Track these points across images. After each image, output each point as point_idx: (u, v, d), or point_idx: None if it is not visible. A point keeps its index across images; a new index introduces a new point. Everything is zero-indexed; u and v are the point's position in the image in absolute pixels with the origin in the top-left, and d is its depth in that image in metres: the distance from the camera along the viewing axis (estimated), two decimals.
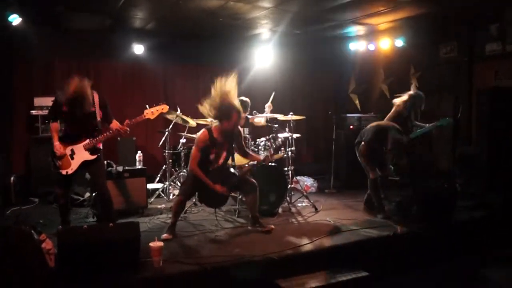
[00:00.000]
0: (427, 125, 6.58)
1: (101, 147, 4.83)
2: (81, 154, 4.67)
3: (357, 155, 5.83)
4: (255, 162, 5.61)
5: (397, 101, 6.42)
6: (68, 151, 4.66)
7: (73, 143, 4.67)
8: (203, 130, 4.87)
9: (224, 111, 4.70)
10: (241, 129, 5.12)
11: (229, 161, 5.19)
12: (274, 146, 6.35)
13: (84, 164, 4.71)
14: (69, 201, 5.06)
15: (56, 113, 4.75)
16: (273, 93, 6.75)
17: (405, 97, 6.39)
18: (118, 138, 7.27)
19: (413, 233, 5.08)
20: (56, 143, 4.64)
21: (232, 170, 5.22)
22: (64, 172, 4.67)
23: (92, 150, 4.69)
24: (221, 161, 4.98)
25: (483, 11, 6.84)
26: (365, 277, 4.14)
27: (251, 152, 5.39)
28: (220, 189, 4.80)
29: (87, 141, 4.67)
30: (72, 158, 4.65)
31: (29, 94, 7.22)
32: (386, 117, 6.39)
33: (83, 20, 7.10)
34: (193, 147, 4.87)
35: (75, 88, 4.45)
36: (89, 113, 4.65)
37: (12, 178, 6.38)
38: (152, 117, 4.82)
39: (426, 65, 8.15)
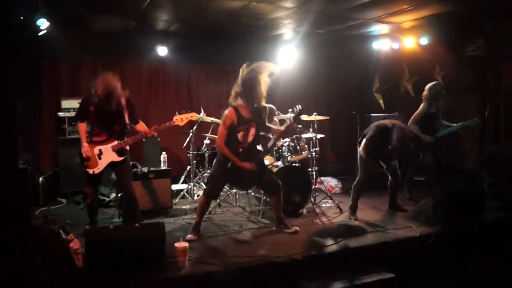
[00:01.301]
0: (454, 124, 6.48)
1: (128, 148, 4.90)
2: (109, 155, 4.74)
3: (358, 152, 5.76)
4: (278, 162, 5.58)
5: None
6: (96, 151, 4.73)
7: (101, 143, 4.75)
8: (229, 108, 4.80)
9: (248, 81, 4.69)
10: (266, 105, 4.99)
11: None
12: (298, 147, 6.34)
13: (111, 165, 4.78)
14: (97, 200, 5.14)
15: (83, 113, 4.83)
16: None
17: (424, 92, 6.39)
18: (143, 139, 7.33)
19: (439, 233, 5.01)
20: (85, 144, 4.72)
21: (258, 147, 5.12)
22: (91, 171, 4.74)
23: (120, 151, 4.76)
24: (250, 138, 4.85)
25: (510, 7, 6.67)
26: (391, 279, 4.10)
27: (272, 126, 5.32)
28: (249, 166, 4.75)
29: (116, 142, 4.74)
30: (100, 158, 4.73)
31: (57, 95, 7.37)
32: (411, 117, 6.31)
33: (108, 22, 7.21)
34: (220, 125, 4.81)
35: (108, 83, 4.55)
36: (116, 112, 4.72)
37: (40, 179, 6.51)
38: (181, 124, 4.88)
39: (451, 64, 8.00)
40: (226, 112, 4.78)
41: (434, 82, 6.49)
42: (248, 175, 4.83)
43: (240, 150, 4.80)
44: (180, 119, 4.87)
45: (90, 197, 4.88)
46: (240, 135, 4.79)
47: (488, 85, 7.56)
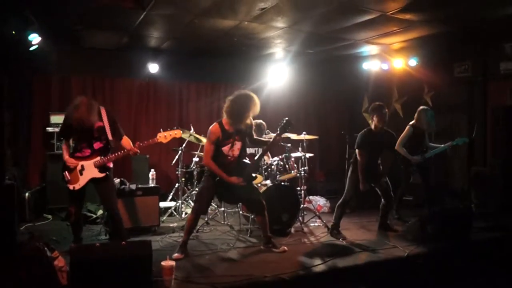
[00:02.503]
0: (442, 145, 6.53)
1: (111, 166, 4.85)
2: (90, 170, 4.69)
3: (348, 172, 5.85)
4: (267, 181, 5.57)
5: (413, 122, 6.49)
6: (78, 166, 4.70)
7: (83, 159, 4.72)
8: (214, 124, 4.84)
9: (240, 105, 4.70)
10: (256, 121, 5.03)
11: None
12: (287, 166, 6.34)
13: (93, 182, 4.74)
14: (81, 218, 5.08)
15: (65, 131, 4.83)
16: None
17: (415, 115, 6.49)
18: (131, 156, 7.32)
19: (427, 253, 5.01)
20: (66, 156, 4.72)
21: (246, 160, 5.12)
22: (71, 187, 4.70)
23: (101, 168, 4.71)
24: (236, 152, 4.87)
25: (497, 30, 6.81)
26: None
27: (261, 138, 5.32)
28: (236, 180, 4.76)
29: (98, 158, 4.70)
30: (81, 174, 4.68)
31: (46, 110, 7.35)
32: (398, 140, 6.36)
33: (100, 38, 7.24)
34: (206, 141, 4.83)
35: (79, 115, 4.53)
36: (97, 130, 4.70)
37: (27, 195, 6.44)
38: (164, 141, 4.81)
39: (440, 85, 8.11)
40: (211, 127, 4.82)
41: (423, 108, 6.56)
42: (236, 189, 4.84)
43: (227, 164, 4.82)
44: (163, 136, 4.81)
45: (73, 215, 4.83)
46: (226, 149, 4.81)
47: (476, 106, 7.66)
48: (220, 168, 4.75)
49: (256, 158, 5.18)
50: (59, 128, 6.82)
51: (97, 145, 4.74)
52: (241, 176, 4.82)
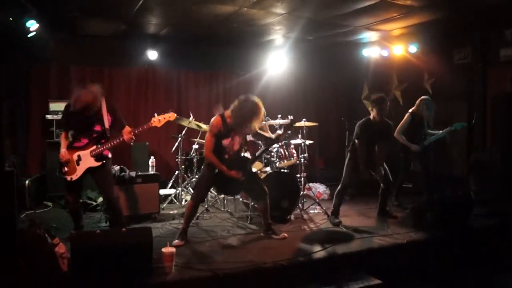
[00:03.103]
0: (441, 131, 6.55)
1: (109, 155, 4.83)
2: (87, 160, 4.67)
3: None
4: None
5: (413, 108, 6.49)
6: (75, 157, 4.68)
7: (80, 149, 4.70)
8: (216, 116, 4.82)
9: (246, 112, 4.64)
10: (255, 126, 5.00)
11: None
12: (287, 153, 6.34)
13: (90, 171, 4.73)
14: (80, 206, 5.08)
15: (65, 121, 4.82)
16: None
17: (417, 102, 6.52)
18: (131, 143, 7.31)
19: (426, 240, 5.03)
20: (62, 150, 4.72)
21: (246, 154, 5.13)
22: (68, 178, 4.70)
23: (98, 157, 4.70)
24: (236, 146, 4.89)
25: (497, 16, 6.77)
26: (378, 285, 4.10)
27: (262, 132, 5.33)
28: (236, 174, 4.78)
29: (94, 147, 4.68)
30: (78, 164, 4.67)
31: (45, 98, 7.31)
32: (397, 128, 6.37)
33: (98, 25, 7.19)
34: (207, 134, 4.83)
35: (84, 99, 4.53)
36: (96, 118, 4.68)
37: (27, 182, 6.44)
38: (159, 125, 4.77)
39: (440, 71, 8.08)
40: (212, 120, 4.80)
41: (425, 97, 6.56)
42: (235, 181, 4.85)
43: (227, 157, 4.83)
44: (157, 120, 4.76)
45: (71, 204, 4.85)
46: (226, 143, 4.80)
47: (475, 92, 7.64)
48: (220, 160, 4.76)
49: (257, 153, 5.22)
50: (58, 115, 6.89)
51: (94, 134, 4.71)
52: (240, 170, 4.83)
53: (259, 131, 5.10)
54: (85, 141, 4.71)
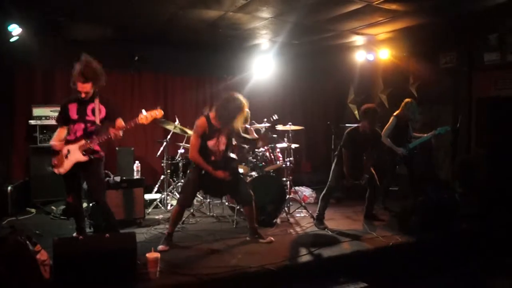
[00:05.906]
0: (425, 135, 6.60)
1: (101, 154, 4.75)
2: (75, 155, 4.60)
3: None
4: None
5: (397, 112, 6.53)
6: (65, 150, 4.63)
7: (71, 143, 4.65)
8: (200, 117, 4.81)
9: (232, 109, 4.66)
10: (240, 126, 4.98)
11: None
12: (273, 157, 6.34)
13: (80, 168, 4.67)
14: (81, 207, 5.04)
15: (63, 116, 4.73)
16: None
17: (402, 104, 6.57)
18: (117, 148, 7.25)
19: (412, 243, 5.05)
20: (55, 140, 4.68)
21: (232, 155, 5.12)
22: (57, 171, 4.65)
23: (86, 151, 4.64)
24: (222, 147, 4.86)
25: (482, 21, 6.85)
26: None
27: (247, 136, 5.30)
28: (222, 174, 4.76)
29: (83, 141, 4.62)
30: (66, 158, 4.62)
31: (29, 103, 7.17)
32: (383, 131, 6.40)
33: (84, 30, 7.13)
34: (192, 135, 4.81)
35: (94, 67, 4.76)
36: (89, 108, 4.66)
37: (9, 188, 6.34)
38: (146, 122, 4.69)
39: (425, 75, 8.14)
40: (197, 121, 4.79)
41: (409, 100, 6.60)
42: (221, 182, 4.83)
43: (213, 158, 4.81)
44: (145, 117, 4.70)
45: (71, 205, 4.83)
46: (211, 144, 4.78)
47: (461, 96, 7.71)
48: (206, 161, 4.74)
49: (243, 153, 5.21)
50: (42, 120, 6.81)
51: (84, 128, 4.66)
52: (227, 170, 4.81)
53: (243, 134, 5.10)
54: (78, 134, 4.64)
